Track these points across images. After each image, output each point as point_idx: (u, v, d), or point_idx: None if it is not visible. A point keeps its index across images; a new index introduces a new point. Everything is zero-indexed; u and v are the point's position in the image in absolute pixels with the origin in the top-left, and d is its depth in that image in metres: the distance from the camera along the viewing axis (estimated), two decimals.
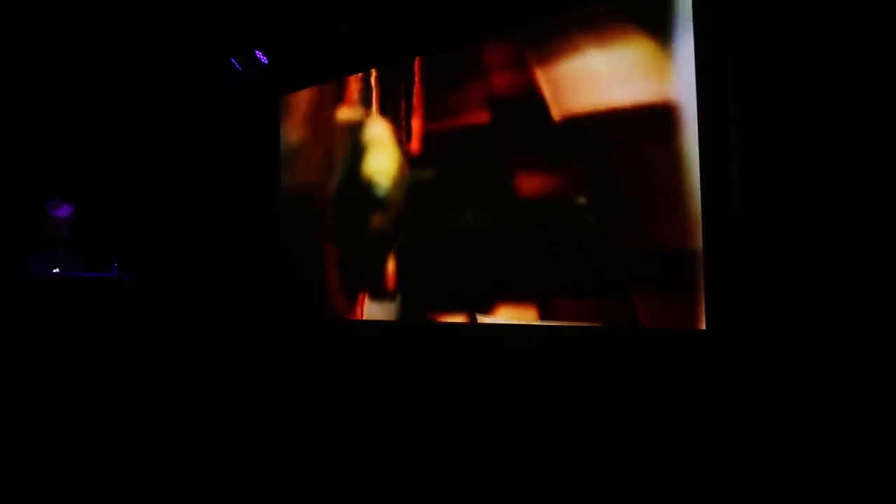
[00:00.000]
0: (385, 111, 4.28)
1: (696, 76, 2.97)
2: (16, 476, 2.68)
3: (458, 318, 3.81)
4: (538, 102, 3.50)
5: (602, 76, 3.28)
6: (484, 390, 3.50)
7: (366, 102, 4.39)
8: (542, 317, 3.45)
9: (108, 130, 4.79)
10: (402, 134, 4.16)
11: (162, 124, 4.89)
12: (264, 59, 4.62)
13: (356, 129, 4.43)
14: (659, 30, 3.11)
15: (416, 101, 4.07)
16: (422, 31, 4.00)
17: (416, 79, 4.08)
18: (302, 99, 4.80)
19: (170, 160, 4.92)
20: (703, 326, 2.91)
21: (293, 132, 4.86)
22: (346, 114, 4.50)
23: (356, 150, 4.41)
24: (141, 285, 3.49)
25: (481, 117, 3.77)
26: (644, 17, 3.17)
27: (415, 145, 4.08)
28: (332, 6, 4.16)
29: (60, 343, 2.97)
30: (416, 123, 4.08)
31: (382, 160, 4.26)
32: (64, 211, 3.43)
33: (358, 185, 4.39)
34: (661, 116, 3.08)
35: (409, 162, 4.12)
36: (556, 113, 3.43)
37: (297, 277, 4.76)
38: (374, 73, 4.35)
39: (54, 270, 3.23)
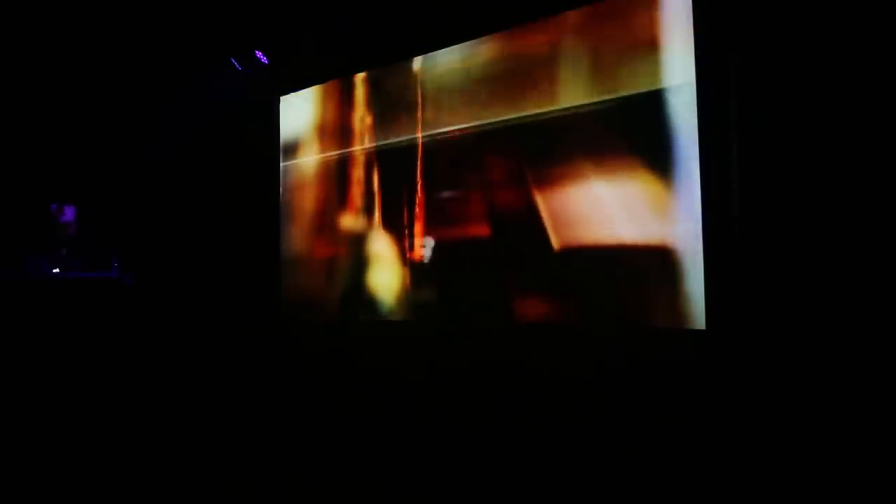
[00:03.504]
0: (387, 220, 4.22)
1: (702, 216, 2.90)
2: (16, 475, 2.68)
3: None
4: (537, 226, 3.42)
5: (602, 209, 3.19)
6: (483, 389, 3.50)
7: (368, 210, 4.33)
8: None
9: (108, 131, 4.79)
10: (405, 242, 4.09)
11: (162, 124, 4.89)
12: (264, 59, 4.62)
13: (360, 237, 4.36)
14: (663, 166, 3.03)
15: (419, 209, 4.01)
16: (420, 30, 4.00)
17: (419, 186, 4.00)
18: (307, 205, 4.73)
19: (170, 160, 4.92)
20: (703, 326, 2.91)
21: (296, 240, 4.80)
22: (349, 221, 4.45)
23: (359, 258, 4.34)
24: (140, 285, 3.49)
25: (483, 230, 3.69)
26: (647, 151, 3.07)
27: (417, 253, 4.02)
28: (332, 6, 4.16)
29: (59, 343, 2.97)
30: (418, 232, 4.01)
31: (385, 268, 4.20)
32: (68, 214, 3.44)
33: (360, 292, 4.31)
34: (662, 257, 3.01)
35: (412, 269, 4.05)
36: (555, 241, 3.37)
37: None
38: (376, 176, 4.29)
39: (54, 270, 3.24)
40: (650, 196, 3.07)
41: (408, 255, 4.06)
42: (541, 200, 3.44)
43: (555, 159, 3.40)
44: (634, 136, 3.13)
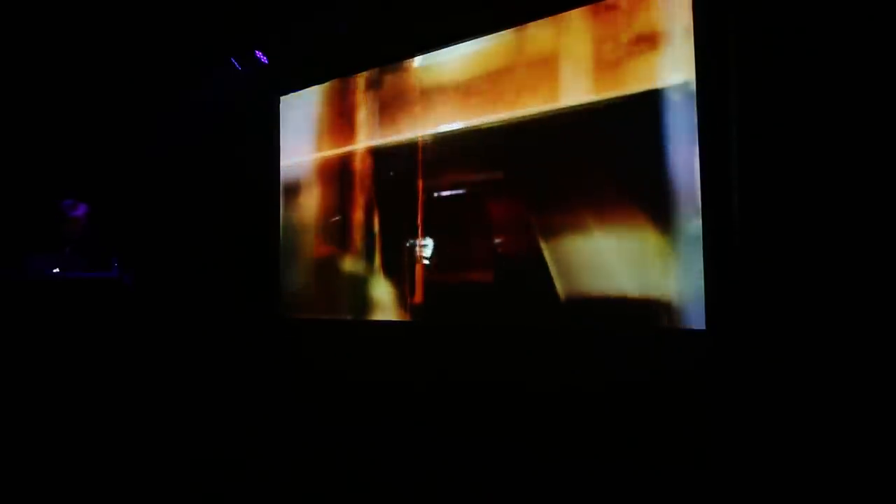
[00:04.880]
0: (387, 264, 4.16)
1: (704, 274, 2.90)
2: (16, 474, 2.68)
3: None
4: (544, 273, 3.37)
5: (607, 259, 3.17)
6: (481, 388, 3.50)
7: (369, 255, 4.28)
8: None
9: (108, 131, 4.79)
10: (405, 286, 4.04)
11: (162, 124, 4.89)
12: (264, 59, 4.62)
13: (360, 280, 4.30)
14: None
15: (419, 251, 3.96)
16: (421, 28, 4.00)
17: (420, 230, 3.96)
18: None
19: (170, 160, 4.92)
20: (703, 326, 2.91)
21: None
22: (349, 264, 4.39)
23: (360, 302, 4.28)
24: (140, 285, 3.49)
25: (486, 276, 3.62)
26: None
27: (418, 297, 3.97)
28: (332, 6, 4.16)
29: (60, 343, 2.98)
30: (419, 276, 3.96)
31: (385, 312, 4.14)
32: (80, 210, 3.43)
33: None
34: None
35: (412, 313, 3.99)
36: (561, 290, 3.31)
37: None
38: (377, 219, 4.24)
39: (54, 270, 3.24)
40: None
41: (409, 299, 4.01)
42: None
43: (554, 157, 3.40)
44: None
